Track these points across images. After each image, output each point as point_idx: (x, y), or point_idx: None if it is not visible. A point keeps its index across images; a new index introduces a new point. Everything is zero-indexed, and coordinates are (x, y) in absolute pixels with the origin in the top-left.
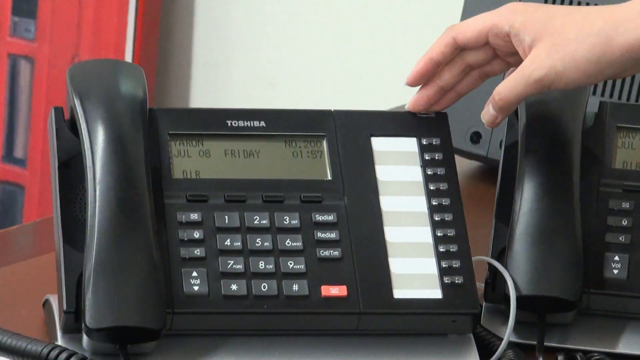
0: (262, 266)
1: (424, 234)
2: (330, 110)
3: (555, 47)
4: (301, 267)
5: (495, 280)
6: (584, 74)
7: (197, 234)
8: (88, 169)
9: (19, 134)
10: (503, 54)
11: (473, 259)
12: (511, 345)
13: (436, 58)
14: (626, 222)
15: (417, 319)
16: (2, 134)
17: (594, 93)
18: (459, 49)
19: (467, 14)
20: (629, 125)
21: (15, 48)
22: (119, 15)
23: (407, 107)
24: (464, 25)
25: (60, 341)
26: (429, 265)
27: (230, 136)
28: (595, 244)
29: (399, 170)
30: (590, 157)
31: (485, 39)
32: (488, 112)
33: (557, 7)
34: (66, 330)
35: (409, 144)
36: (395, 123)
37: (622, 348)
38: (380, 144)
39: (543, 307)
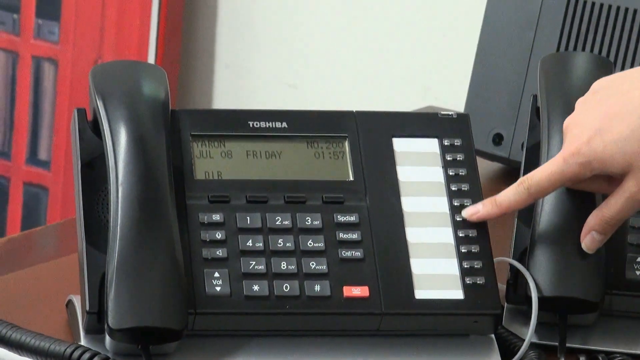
0: (284, 267)
1: (446, 235)
2: (352, 111)
3: None
4: (323, 267)
5: (516, 281)
6: None
7: (219, 235)
8: (110, 170)
9: (42, 136)
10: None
11: (494, 259)
12: (533, 346)
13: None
14: None
15: (438, 320)
16: (27, 136)
17: None
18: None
19: (489, 18)
20: None
21: (39, 50)
22: (142, 17)
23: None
24: (538, 178)
25: (83, 341)
26: (451, 266)
27: (252, 137)
28: (617, 245)
29: (420, 171)
30: None
31: (562, 186)
32: (594, 240)
33: (606, 111)
34: (89, 331)
35: (431, 145)
36: (416, 124)
37: None
38: (401, 145)
39: (565, 308)
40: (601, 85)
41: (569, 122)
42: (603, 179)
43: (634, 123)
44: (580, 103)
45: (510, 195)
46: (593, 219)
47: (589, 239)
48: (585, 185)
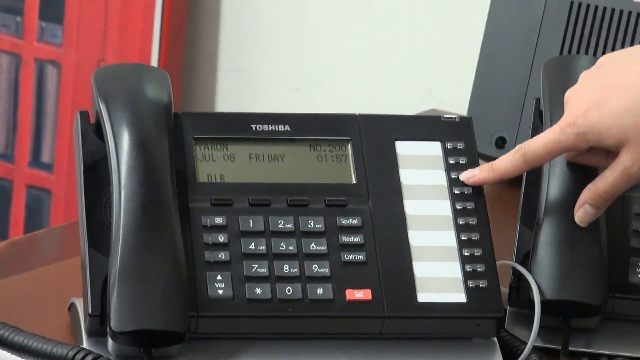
0: (286, 270)
1: (448, 238)
2: (355, 114)
3: None
4: (326, 270)
5: (519, 284)
6: None
7: (221, 238)
8: (113, 173)
9: (45, 139)
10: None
11: (497, 263)
12: (535, 349)
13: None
14: None
15: (441, 323)
16: (29, 139)
17: None
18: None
19: (492, 21)
20: None
21: (42, 53)
22: (145, 20)
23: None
24: (535, 146)
25: (85, 344)
26: (453, 269)
27: (255, 140)
28: (620, 248)
29: (423, 174)
30: None
31: (558, 155)
32: (587, 213)
33: (607, 84)
34: (91, 334)
35: (433, 148)
36: (419, 127)
37: None
38: (404, 148)
39: (567, 312)
40: (606, 59)
41: (569, 93)
42: (602, 153)
43: (632, 97)
44: (583, 76)
45: (507, 161)
46: (587, 192)
47: (582, 212)
48: (583, 158)
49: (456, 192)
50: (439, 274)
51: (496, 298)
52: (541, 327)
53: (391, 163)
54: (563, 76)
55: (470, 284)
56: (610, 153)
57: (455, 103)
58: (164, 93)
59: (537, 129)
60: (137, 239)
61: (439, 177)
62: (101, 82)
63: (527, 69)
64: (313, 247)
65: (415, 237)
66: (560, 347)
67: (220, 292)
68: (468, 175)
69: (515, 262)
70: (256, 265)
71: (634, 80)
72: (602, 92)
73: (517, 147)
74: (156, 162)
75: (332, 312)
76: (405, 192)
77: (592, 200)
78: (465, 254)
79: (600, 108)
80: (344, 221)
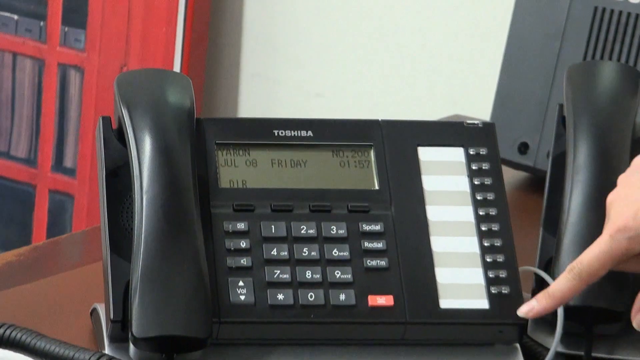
0: (308, 276)
1: (471, 244)
2: (378, 120)
3: None
4: (348, 276)
5: (542, 290)
6: None
7: (243, 244)
8: (135, 178)
9: (68, 144)
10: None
11: (520, 269)
12: (558, 355)
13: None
14: None
15: (463, 329)
16: (52, 144)
17: None
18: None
19: (515, 27)
20: None
21: (65, 58)
22: (168, 26)
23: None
24: (588, 262)
25: (107, 350)
26: (476, 275)
27: (277, 146)
28: None
29: (445, 180)
30: None
31: (613, 265)
32: None
33: None
34: (113, 339)
35: (456, 154)
36: (442, 133)
37: None
38: (427, 154)
39: (590, 318)
40: None
41: (611, 198)
42: None
43: None
44: (621, 179)
45: (563, 284)
46: None
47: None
48: (631, 266)
49: (479, 198)
50: (461, 280)
51: (519, 304)
52: (564, 333)
53: (414, 169)
54: (586, 82)
55: (493, 290)
56: None
57: (478, 109)
58: (187, 98)
59: (560, 135)
60: (159, 245)
61: (462, 183)
62: (124, 87)
63: (550, 74)
64: (335, 253)
65: (438, 243)
66: (583, 354)
67: (242, 297)
68: (527, 309)
69: (537, 268)
70: (278, 271)
71: None
72: None
73: (569, 267)
74: (178, 167)
75: (355, 318)
76: (427, 198)
77: None
78: (488, 260)
79: None
80: (367, 227)
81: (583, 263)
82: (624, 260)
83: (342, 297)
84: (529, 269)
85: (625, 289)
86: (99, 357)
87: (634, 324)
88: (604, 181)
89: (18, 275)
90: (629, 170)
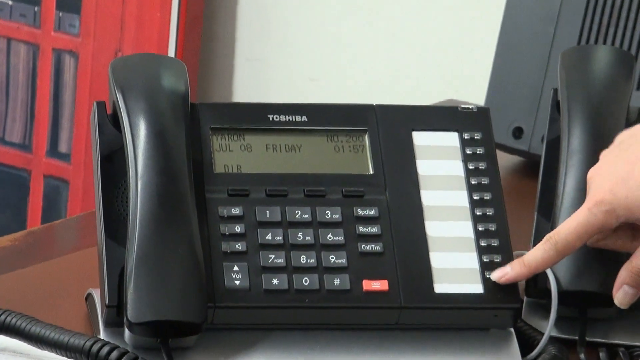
0: (303, 260)
1: (465, 229)
2: (372, 104)
3: None
4: (343, 261)
5: (536, 275)
6: None
7: (238, 229)
8: (130, 163)
9: (63, 129)
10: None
11: (514, 253)
12: (552, 340)
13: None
14: None
15: (458, 314)
16: (47, 129)
17: (638, 88)
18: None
19: (509, 11)
20: None
21: (59, 43)
22: (162, 10)
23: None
24: (564, 233)
25: (102, 335)
26: (470, 260)
27: (272, 130)
28: None
29: (440, 164)
30: None
31: (590, 237)
32: (627, 294)
33: (628, 159)
34: (108, 324)
35: (451, 139)
36: (436, 117)
37: None
38: (421, 139)
39: (585, 302)
40: (624, 136)
41: (592, 173)
42: (626, 235)
43: None
44: (603, 154)
45: (538, 254)
46: (624, 273)
47: (621, 294)
48: (610, 242)
49: (473, 182)
50: (456, 264)
51: (513, 289)
52: (558, 317)
53: (408, 153)
54: (581, 66)
55: (488, 274)
56: (635, 234)
57: (473, 93)
58: (181, 83)
59: (554, 119)
60: (153, 230)
61: (456, 168)
62: (118, 72)
63: (544, 59)
64: (330, 237)
65: (432, 228)
66: (577, 338)
67: (237, 282)
68: (499, 274)
69: None
70: (273, 256)
71: None
72: (625, 167)
73: (546, 237)
74: (173, 152)
75: (349, 303)
76: (422, 182)
77: (630, 280)
78: (482, 244)
79: (626, 182)
80: (361, 212)
81: (560, 235)
82: (603, 236)
83: (337, 281)
84: (524, 253)
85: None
86: (94, 342)
87: (615, 301)
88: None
89: (13, 260)
90: (612, 146)
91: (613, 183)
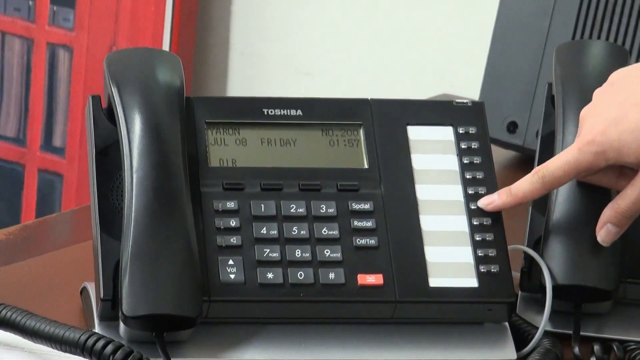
0: (298, 254)
1: (460, 223)
2: (367, 98)
3: None
4: (337, 255)
5: (531, 269)
6: None
7: (233, 222)
8: (125, 157)
9: (57, 123)
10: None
11: (509, 247)
12: (547, 334)
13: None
14: None
15: (452, 308)
16: (42, 123)
17: None
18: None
19: (504, 5)
20: None
21: (54, 37)
22: (157, 4)
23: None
24: (553, 168)
25: (97, 329)
26: (465, 254)
27: (267, 124)
28: (633, 233)
29: (435, 158)
30: None
31: (576, 175)
32: (610, 232)
33: (622, 101)
34: (103, 318)
35: (445, 133)
36: (431, 112)
37: None
38: (416, 133)
39: (579, 297)
40: (619, 75)
41: (584, 112)
42: (613, 173)
43: None
44: (597, 94)
45: (525, 185)
46: (608, 211)
47: (604, 232)
48: (594, 178)
49: (468, 176)
50: (450, 258)
51: (508, 283)
52: (553, 311)
53: (403, 148)
54: (575, 61)
55: (482, 268)
56: (622, 174)
57: (468, 88)
58: (176, 77)
59: (549, 114)
60: (148, 224)
61: (451, 162)
62: (113, 66)
63: (539, 53)
64: (325, 231)
65: (427, 222)
66: (571, 332)
67: (232, 276)
68: (487, 202)
69: (527, 246)
70: (268, 250)
71: None
72: (618, 108)
73: (534, 170)
74: (168, 146)
75: (344, 297)
76: (417, 176)
77: (614, 219)
78: (477, 238)
79: (618, 125)
80: (356, 206)
81: (548, 169)
82: (591, 174)
83: (332, 275)
84: (518, 247)
85: (614, 268)
86: (89, 336)
87: (598, 238)
88: None
89: (7, 254)
90: (605, 85)
91: (605, 125)
